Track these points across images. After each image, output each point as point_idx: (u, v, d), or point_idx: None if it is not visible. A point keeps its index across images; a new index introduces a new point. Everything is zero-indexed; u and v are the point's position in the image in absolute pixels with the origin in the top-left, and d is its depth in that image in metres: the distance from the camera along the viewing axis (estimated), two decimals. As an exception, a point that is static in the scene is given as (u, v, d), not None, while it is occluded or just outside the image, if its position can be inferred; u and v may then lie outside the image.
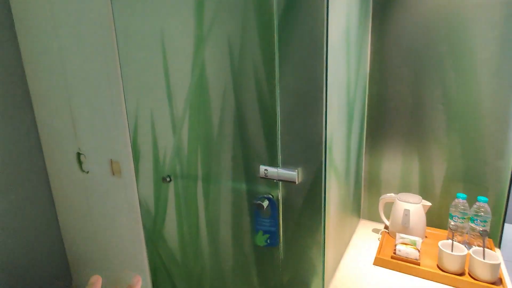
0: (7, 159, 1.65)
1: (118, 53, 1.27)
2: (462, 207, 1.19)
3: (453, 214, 1.21)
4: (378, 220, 1.51)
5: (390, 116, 1.38)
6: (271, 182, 1.03)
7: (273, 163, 1.01)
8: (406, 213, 1.26)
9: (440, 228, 1.37)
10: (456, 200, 1.21)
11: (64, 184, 1.73)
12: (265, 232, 1.05)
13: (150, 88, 1.22)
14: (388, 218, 1.40)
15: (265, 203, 1.00)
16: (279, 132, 0.97)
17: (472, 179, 1.27)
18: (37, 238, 1.81)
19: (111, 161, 1.45)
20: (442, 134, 1.28)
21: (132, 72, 1.25)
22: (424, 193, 1.38)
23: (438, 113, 1.28)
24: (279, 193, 1.02)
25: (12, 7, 1.58)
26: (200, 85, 1.09)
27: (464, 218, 1.19)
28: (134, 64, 1.24)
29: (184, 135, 1.18)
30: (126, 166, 1.40)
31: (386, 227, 1.40)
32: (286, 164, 0.98)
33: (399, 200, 1.29)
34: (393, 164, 1.42)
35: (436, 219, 1.37)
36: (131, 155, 1.36)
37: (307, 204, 0.97)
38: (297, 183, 0.96)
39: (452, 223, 1.20)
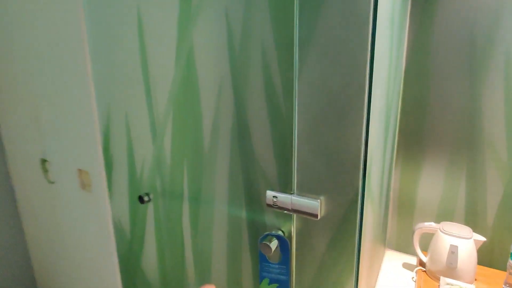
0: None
1: (88, 44, 0.98)
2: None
3: (516, 255, 0.92)
4: (408, 251, 1.23)
5: (431, 124, 1.09)
6: (281, 213, 0.75)
7: (286, 188, 0.72)
8: (453, 250, 0.97)
9: (491, 267, 1.08)
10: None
11: (30, 194, 1.45)
12: (272, 280, 0.77)
13: (125, 84, 0.94)
14: (423, 251, 1.11)
15: (273, 244, 0.72)
16: (295, 145, 0.69)
17: (537, 207, 0.99)
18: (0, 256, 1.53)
19: (80, 171, 1.17)
20: (501, 148, 1.00)
21: (103, 65, 0.97)
22: (472, 223, 1.09)
23: (497, 122, 0.99)
24: (293, 229, 0.74)
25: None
26: (187, 78, 0.80)
27: (534, 261, 0.90)
28: (106, 54, 0.95)
29: (167, 143, 0.90)
30: (97, 177, 1.12)
31: (421, 263, 1.11)
32: (304, 191, 0.70)
33: (443, 232, 1.01)
34: (432, 184, 1.13)
35: (486, 255, 1.08)
36: (103, 165, 1.08)
37: (334, 247, 0.69)
38: (319, 217, 0.68)
39: (516, 266, 0.91)
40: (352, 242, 0.66)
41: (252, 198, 0.79)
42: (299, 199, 0.70)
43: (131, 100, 0.93)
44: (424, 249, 1.12)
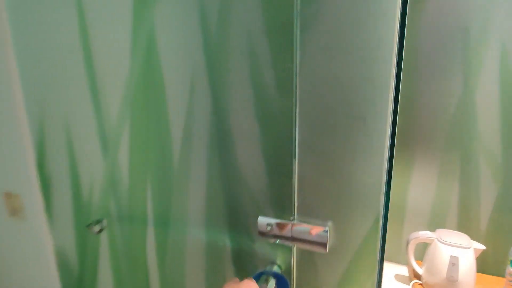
0: None
1: (10, 34, 0.75)
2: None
3: (518, 262, 0.86)
4: (397, 260, 1.14)
5: (421, 124, 1.01)
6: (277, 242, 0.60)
7: (283, 213, 0.57)
8: (454, 261, 0.89)
9: (484, 273, 1.02)
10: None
11: None
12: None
13: (63, 84, 0.72)
14: (417, 261, 1.03)
15: (271, 285, 0.56)
16: (295, 157, 0.54)
17: (531, 209, 0.94)
18: None
19: (8, 195, 0.92)
20: (496, 148, 0.94)
21: (33, 61, 0.75)
22: (465, 228, 1.03)
23: (492, 119, 0.93)
24: (293, 264, 0.59)
25: None
26: (148, 73, 0.62)
27: (536, 268, 0.85)
28: (36, 48, 0.73)
29: (123, 157, 0.70)
30: (30, 201, 0.88)
31: (416, 275, 1.03)
32: (307, 215, 0.55)
33: (441, 242, 0.92)
34: (423, 188, 1.05)
35: (479, 260, 1.02)
36: (38, 187, 0.85)
37: (347, 286, 0.55)
38: (328, 248, 0.54)
39: (518, 274, 0.85)
40: (371, 279, 0.53)
41: (238, 224, 0.62)
42: (301, 226, 0.55)
43: (72, 104, 0.72)
44: (416, 258, 1.03)
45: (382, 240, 0.51)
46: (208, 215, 0.65)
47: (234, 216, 0.62)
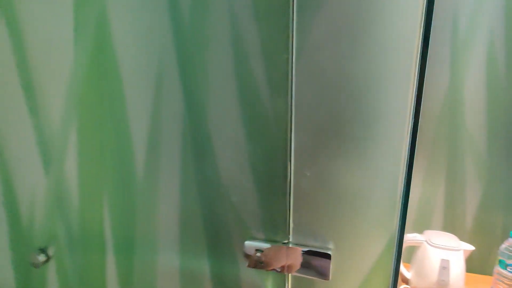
0: None
1: None
2: (520, 251, 0.82)
3: (507, 262, 0.84)
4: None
5: (407, 120, 0.95)
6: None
7: (276, 234, 0.47)
8: (445, 264, 0.85)
9: (469, 272, 1.00)
10: (510, 241, 0.84)
11: None
12: None
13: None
14: (404, 263, 0.98)
15: (263, 324, 0.46)
16: (291, 169, 0.44)
17: (514, 205, 0.93)
18: None
19: None
20: (482, 144, 0.91)
21: None
22: (451, 227, 1.00)
23: (478, 115, 0.89)
24: (287, 293, 0.49)
25: None
26: (99, 64, 0.49)
27: (524, 268, 0.83)
28: None
29: (71, 170, 0.56)
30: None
31: (403, 279, 0.98)
32: (305, 237, 0.46)
33: (431, 245, 0.88)
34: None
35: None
36: (-38, 208, 0.68)
37: (353, 319, 0.46)
38: (330, 277, 0.45)
39: (508, 273, 0.83)
40: (384, 310, 0.44)
41: (220, 249, 0.52)
42: (298, 250, 0.45)
43: (2, 106, 0.57)
44: (402, 260, 0.99)
45: (396, 265, 0.43)
46: (182, 238, 0.54)
47: (215, 238, 0.51)
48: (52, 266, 0.65)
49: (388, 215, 0.42)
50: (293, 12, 0.39)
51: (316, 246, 0.46)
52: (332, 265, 0.45)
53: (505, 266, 0.84)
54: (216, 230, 0.51)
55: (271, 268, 0.48)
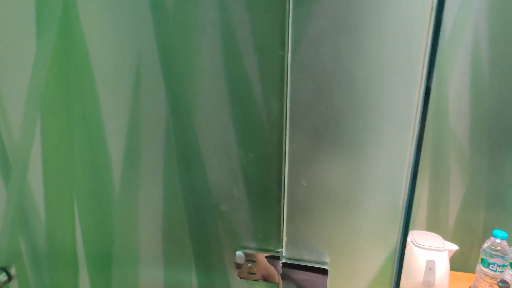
0: None
1: None
2: (500, 249, 0.84)
3: (489, 260, 0.85)
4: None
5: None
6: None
7: (267, 243, 0.44)
8: (431, 265, 0.85)
9: (451, 269, 1.01)
10: (492, 240, 0.85)
11: None
12: None
13: None
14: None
15: None
16: (285, 172, 0.40)
17: (494, 204, 0.94)
18: None
19: None
20: (464, 143, 0.91)
21: None
22: (434, 226, 1.00)
23: (463, 112, 0.89)
24: (280, 307, 0.46)
25: None
26: (68, 57, 0.43)
27: (506, 266, 0.84)
28: None
29: (35, 179, 0.50)
30: None
31: (389, 280, 0.97)
32: (299, 249, 0.42)
33: (417, 246, 0.88)
34: (394, 189, 1.00)
35: (447, 258, 1.01)
36: None
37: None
38: (328, 291, 0.42)
39: (490, 272, 0.84)
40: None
41: (208, 260, 0.47)
42: (292, 265, 0.42)
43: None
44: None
45: (397, 280, 0.40)
46: (166, 250, 0.49)
47: (202, 250, 0.47)
48: (14, 286, 0.57)
49: (389, 227, 0.39)
50: (289, 2, 0.35)
51: (312, 260, 0.42)
52: (329, 281, 0.42)
53: (487, 264, 0.86)
54: (204, 241, 0.46)
55: (262, 279, 0.44)
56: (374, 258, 0.40)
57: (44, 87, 0.44)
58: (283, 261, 0.42)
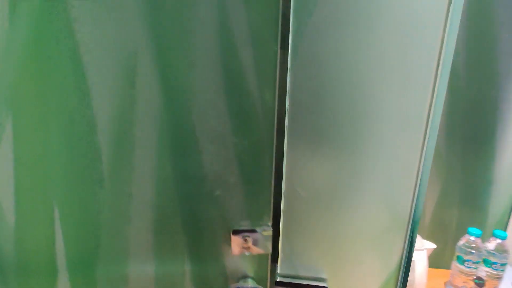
0: None
1: None
2: (475, 246, 0.87)
3: (464, 258, 0.88)
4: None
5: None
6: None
7: (260, 220, 0.41)
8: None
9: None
10: (467, 237, 0.89)
11: None
12: None
13: None
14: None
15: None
16: (284, 174, 0.38)
17: (468, 203, 0.98)
18: None
19: None
20: (440, 142, 0.94)
21: None
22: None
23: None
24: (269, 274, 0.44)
25: None
26: (49, 46, 0.38)
27: (479, 262, 0.88)
28: None
29: (2, 179, 0.44)
30: None
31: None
32: (296, 256, 0.41)
33: (398, 244, 0.89)
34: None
35: (423, 255, 1.04)
36: None
37: None
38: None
39: (465, 269, 0.87)
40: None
41: (201, 248, 0.45)
42: (288, 283, 0.40)
43: None
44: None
45: (403, 279, 0.40)
46: (158, 242, 0.46)
47: (195, 238, 0.44)
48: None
49: (395, 241, 0.38)
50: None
51: (309, 277, 0.40)
52: None
53: (462, 261, 0.89)
54: (197, 229, 0.43)
55: (256, 252, 0.42)
56: (378, 272, 0.40)
57: (16, 75, 0.39)
58: (278, 279, 0.41)
